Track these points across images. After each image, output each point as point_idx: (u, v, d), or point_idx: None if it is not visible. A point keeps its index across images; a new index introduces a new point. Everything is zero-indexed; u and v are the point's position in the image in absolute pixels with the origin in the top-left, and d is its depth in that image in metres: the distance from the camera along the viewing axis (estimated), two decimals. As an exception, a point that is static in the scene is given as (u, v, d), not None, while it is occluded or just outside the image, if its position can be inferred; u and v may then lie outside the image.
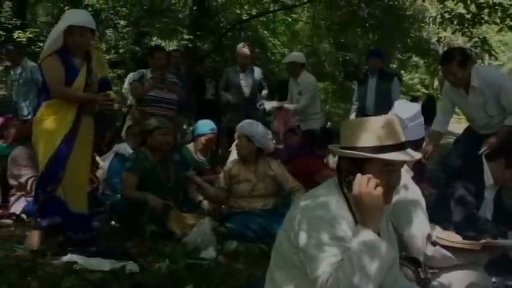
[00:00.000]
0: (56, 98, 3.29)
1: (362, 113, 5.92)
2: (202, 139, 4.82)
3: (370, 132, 1.73)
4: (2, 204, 4.27)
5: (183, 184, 4.14)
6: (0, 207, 4.22)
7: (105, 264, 2.93)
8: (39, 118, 3.30)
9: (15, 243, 3.34)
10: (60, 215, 3.26)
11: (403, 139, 1.77)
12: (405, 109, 3.34)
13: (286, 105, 6.03)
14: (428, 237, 2.43)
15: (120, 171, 4.24)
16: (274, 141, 5.04)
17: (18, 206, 4.10)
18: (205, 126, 4.88)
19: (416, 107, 3.54)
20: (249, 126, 4.03)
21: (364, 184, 1.66)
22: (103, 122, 3.83)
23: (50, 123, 3.26)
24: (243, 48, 6.01)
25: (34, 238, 3.23)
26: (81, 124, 3.35)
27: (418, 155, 1.81)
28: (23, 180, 4.11)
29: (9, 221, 4.01)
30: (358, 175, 1.70)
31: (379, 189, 1.67)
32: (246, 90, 5.94)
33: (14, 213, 4.08)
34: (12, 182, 4.21)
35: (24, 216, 4.02)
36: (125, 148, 4.53)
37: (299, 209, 1.78)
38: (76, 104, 3.32)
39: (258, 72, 6.09)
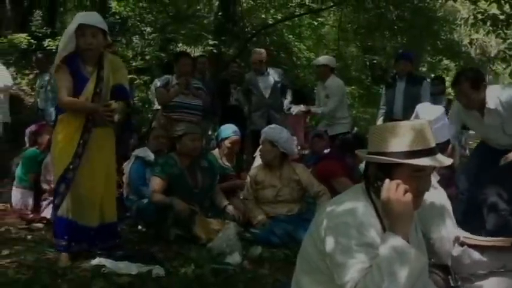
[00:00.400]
0: (66, 109, 3.20)
1: (390, 117, 5.82)
2: (227, 142, 4.80)
3: (400, 137, 1.70)
4: (34, 208, 4.38)
5: (209, 191, 4.15)
6: (33, 211, 4.32)
7: (132, 268, 2.97)
8: (55, 132, 3.25)
9: (47, 246, 3.41)
10: (82, 235, 3.18)
11: (433, 144, 1.73)
12: (428, 111, 3.28)
13: (314, 109, 6.01)
14: (456, 239, 2.37)
15: (141, 175, 4.30)
16: (298, 147, 5.03)
17: (49, 210, 4.17)
18: (228, 129, 4.89)
19: (440, 109, 3.47)
20: (272, 131, 4.02)
21: (393, 190, 1.64)
22: (123, 141, 3.70)
23: (61, 140, 3.18)
24: (254, 54, 6.10)
25: (63, 260, 3.12)
26: (92, 137, 3.18)
27: (448, 161, 1.77)
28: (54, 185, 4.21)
29: (40, 225, 4.11)
30: (387, 181, 1.67)
31: (408, 195, 1.64)
32: (265, 93, 5.97)
33: (45, 217, 4.18)
34: (45, 186, 4.38)
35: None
36: (145, 151, 4.55)
37: (325, 214, 1.76)
38: (83, 115, 3.17)
39: (274, 74, 6.10)
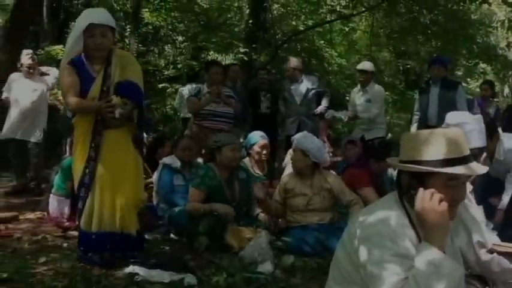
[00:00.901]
0: (72, 112, 3.15)
1: (424, 123, 5.75)
2: (256, 147, 4.78)
3: (433, 145, 1.67)
4: (70, 216, 4.46)
5: (246, 203, 4.12)
6: (69, 219, 4.41)
7: (164, 276, 2.98)
8: (74, 135, 3.19)
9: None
10: (105, 245, 3.10)
11: (467, 152, 1.69)
12: (454, 117, 3.23)
13: (361, 114, 6.01)
14: (481, 244, 2.28)
15: (169, 183, 4.36)
16: (330, 154, 4.97)
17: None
18: (255, 135, 4.88)
19: (468, 115, 3.44)
20: (304, 140, 3.98)
21: (428, 199, 1.59)
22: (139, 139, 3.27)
23: (76, 144, 3.12)
24: (289, 62, 6.21)
25: (97, 268, 3.09)
26: (104, 140, 3.04)
27: (483, 169, 1.72)
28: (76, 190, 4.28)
29: (76, 233, 4.17)
30: (421, 190, 1.63)
31: (444, 205, 1.59)
32: (298, 100, 6.03)
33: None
34: None
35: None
36: (173, 159, 4.58)
37: (358, 224, 1.73)
38: (91, 117, 3.03)
39: (308, 81, 6.11)
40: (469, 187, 2.51)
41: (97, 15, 3.08)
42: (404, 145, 1.76)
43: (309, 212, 3.87)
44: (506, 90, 19.90)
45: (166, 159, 4.60)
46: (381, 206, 1.76)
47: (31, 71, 5.89)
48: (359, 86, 6.27)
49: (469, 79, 18.67)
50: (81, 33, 2.99)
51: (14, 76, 5.97)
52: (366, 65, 6.27)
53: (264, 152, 4.80)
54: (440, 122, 5.55)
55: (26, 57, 5.90)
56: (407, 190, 1.71)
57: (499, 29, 11.62)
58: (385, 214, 1.68)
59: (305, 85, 6.06)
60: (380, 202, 1.82)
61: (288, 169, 4.43)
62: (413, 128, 6.01)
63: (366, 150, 4.86)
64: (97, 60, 3.06)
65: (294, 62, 6.17)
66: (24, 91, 5.87)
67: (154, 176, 4.62)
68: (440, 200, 1.59)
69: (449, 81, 5.86)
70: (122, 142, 3.11)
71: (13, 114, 5.88)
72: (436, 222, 1.58)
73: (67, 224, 4.30)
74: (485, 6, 11.48)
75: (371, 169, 4.36)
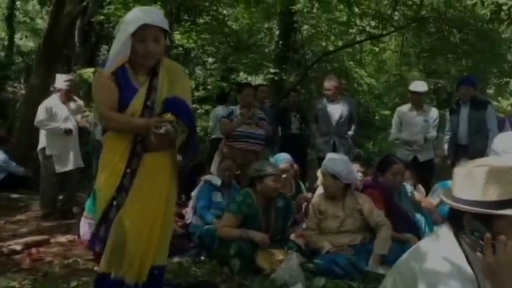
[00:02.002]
0: (106, 128, 2.53)
1: (455, 142, 5.80)
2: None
3: (503, 182, 1.50)
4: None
5: (281, 233, 4.03)
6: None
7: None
8: (101, 157, 2.56)
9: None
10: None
11: None
12: (501, 141, 3.03)
13: (416, 136, 5.83)
14: None
15: (207, 198, 4.51)
16: (361, 174, 4.93)
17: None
18: (279, 158, 4.88)
19: None
20: (333, 163, 3.95)
21: (502, 251, 1.45)
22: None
23: (104, 168, 2.50)
24: (326, 82, 6.04)
25: None
26: (143, 165, 2.46)
27: None
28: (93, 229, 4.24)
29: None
30: (487, 235, 1.47)
31: None
32: (333, 121, 5.91)
33: None
34: None
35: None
36: (215, 178, 4.75)
37: (419, 256, 1.64)
38: (130, 136, 2.46)
39: (345, 103, 6.03)
40: None
41: (151, 14, 2.44)
42: (462, 181, 1.59)
43: (341, 234, 3.86)
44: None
45: (208, 177, 4.78)
46: (443, 244, 1.62)
47: (70, 95, 5.77)
48: (409, 105, 6.02)
49: (500, 98, 18.31)
50: (129, 37, 2.39)
51: (51, 102, 5.72)
52: (420, 87, 6.00)
53: (284, 175, 4.66)
54: (471, 142, 5.57)
55: (64, 83, 5.72)
56: (469, 232, 1.55)
57: (529, 47, 11.43)
58: (447, 253, 1.57)
59: (342, 106, 5.93)
60: (440, 239, 1.65)
61: (320, 189, 4.42)
62: (445, 147, 6.06)
63: (376, 168, 4.69)
64: (143, 69, 2.50)
65: (334, 81, 6.00)
66: (65, 117, 5.69)
67: (194, 192, 4.76)
68: None
69: (479, 101, 5.83)
70: (164, 169, 2.53)
71: (61, 144, 5.66)
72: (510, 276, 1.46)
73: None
74: (516, 24, 11.29)
75: (381, 184, 4.21)
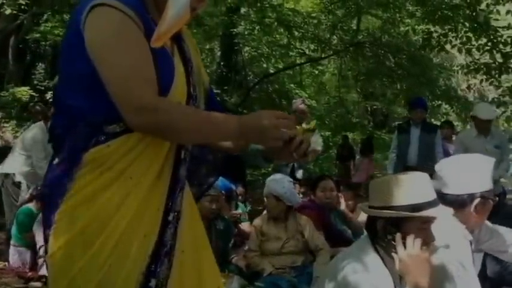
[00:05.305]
0: (133, 131, 1.27)
1: (403, 162, 5.65)
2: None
3: (407, 190, 1.72)
4: (32, 266, 4.23)
5: (222, 256, 3.88)
6: (31, 269, 4.20)
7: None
8: (89, 189, 1.28)
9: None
10: None
11: (435, 195, 1.77)
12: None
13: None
14: None
15: None
16: (301, 195, 4.96)
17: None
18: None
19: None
20: (276, 185, 3.94)
21: (411, 246, 1.64)
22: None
23: (115, 207, 1.27)
24: (295, 104, 5.93)
25: None
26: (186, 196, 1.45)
27: (447, 210, 1.80)
28: None
29: (39, 284, 3.99)
30: (398, 235, 1.67)
31: (426, 250, 1.64)
32: None
33: (43, 276, 3.92)
34: (40, 243, 4.19)
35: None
36: None
37: (336, 270, 1.76)
38: (168, 148, 1.36)
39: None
40: (468, 237, 2.09)
41: None
42: (375, 191, 1.80)
43: (283, 255, 3.83)
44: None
45: None
46: (358, 253, 1.78)
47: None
48: (476, 131, 5.33)
49: (433, 119, 19.30)
50: None
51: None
52: (492, 114, 5.48)
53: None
54: (420, 163, 5.46)
55: None
56: (383, 235, 1.74)
57: (459, 72, 12.16)
58: (363, 261, 1.71)
59: None
60: (356, 248, 1.84)
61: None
62: (390, 166, 5.92)
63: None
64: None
65: (301, 104, 5.79)
66: None
67: None
68: (422, 245, 1.64)
69: (429, 124, 6.04)
70: (194, 207, 1.56)
71: None
72: (421, 270, 1.61)
73: (29, 274, 4.11)
74: (443, 52, 12.02)
75: (320, 207, 4.24)
